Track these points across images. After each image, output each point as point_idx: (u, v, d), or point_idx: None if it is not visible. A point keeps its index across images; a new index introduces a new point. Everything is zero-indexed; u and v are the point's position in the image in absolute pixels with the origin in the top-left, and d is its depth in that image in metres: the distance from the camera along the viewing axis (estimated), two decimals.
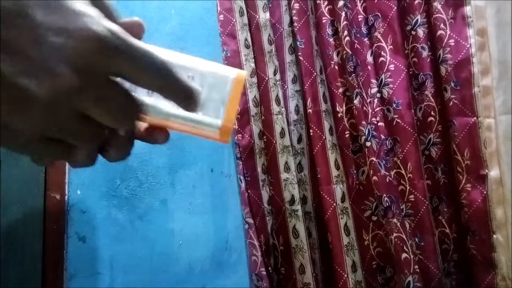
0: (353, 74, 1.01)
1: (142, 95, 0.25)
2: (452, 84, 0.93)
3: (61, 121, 0.20)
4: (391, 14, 1.04)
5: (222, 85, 0.26)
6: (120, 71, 0.21)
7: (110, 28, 0.20)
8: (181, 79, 0.23)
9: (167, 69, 0.23)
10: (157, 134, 0.27)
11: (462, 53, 0.93)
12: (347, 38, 1.02)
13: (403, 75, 1.02)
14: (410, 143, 0.99)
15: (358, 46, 1.05)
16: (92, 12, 0.20)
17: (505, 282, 0.85)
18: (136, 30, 0.27)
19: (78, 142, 0.23)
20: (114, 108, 0.22)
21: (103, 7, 0.22)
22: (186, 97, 0.24)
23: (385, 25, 1.05)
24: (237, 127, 1.09)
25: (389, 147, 1.01)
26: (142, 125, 0.28)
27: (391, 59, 1.03)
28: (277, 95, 1.10)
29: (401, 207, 0.97)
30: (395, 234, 0.92)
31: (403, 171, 0.99)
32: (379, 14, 1.06)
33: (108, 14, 0.22)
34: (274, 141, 1.07)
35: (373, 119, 1.01)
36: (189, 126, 0.26)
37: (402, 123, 1.00)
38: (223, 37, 1.14)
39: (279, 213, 1.06)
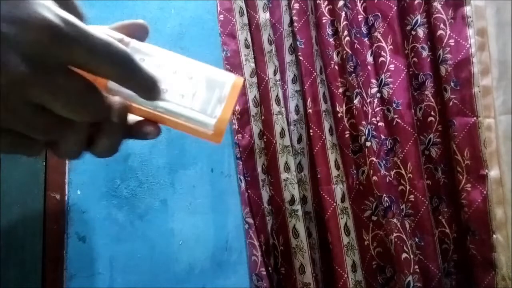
0: (353, 74, 1.01)
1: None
2: (452, 84, 0.93)
3: (14, 112, 0.20)
4: (391, 14, 1.04)
5: (220, 87, 0.27)
6: (75, 60, 0.21)
7: (62, 16, 0.20)
8: (141, 68, 0.23)
9: (126, 58, 0.22)
10: (147, 126, 0.27)
11: (462, 53, 0.93)
12: (347, 38, 1.02)
13: (403, 75, 1.02)
14: (410, 143, 0.99)
15: (358, 46, 1.05)
16: (45, 1, 0.20)
17: (505, 282, 0.85)
18: (139, 31, 0.27)
19: (37, 135, 0.22)
20: (71, 99, 0.21)
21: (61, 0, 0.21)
22: (146, 86, 0.24)
23: (385, 25, 1.05)
24: (237, 127, 1.09)
25: (389, 147, 1.01)
26: (132, 119, 0.27)
27: (391, 59, 1.03)
28: (277, 95, 1.10)
29: (401, 207, 0.97)
30: (395, 234, 0.92)
31: (403, 171, 0.99)
32: (379, 14, 1.06)
33: (69, 8, 0.22)
34: (274, 141, 1.07)
35: (373, 119, 1.01)
36: (184, 121, 0.26)
37: (402, 123, 1.00)
38: (223, 37, 1.14)
39: (279, 213, 1.06)
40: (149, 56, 0.27)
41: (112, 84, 0.25)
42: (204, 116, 0.26)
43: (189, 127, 0.27)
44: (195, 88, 0.27)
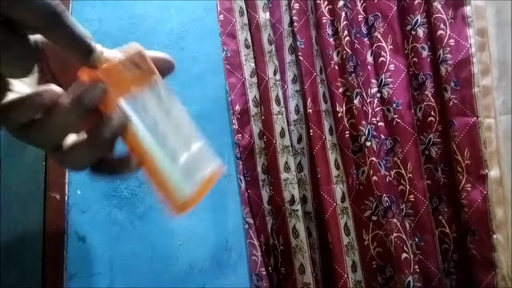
0: (353, 74, 1.01)
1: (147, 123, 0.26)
2: (452, 84, 0.93)
3: None
4: (391, 14, 1.04)
5: (204, 169, 0.30)
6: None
7: None
8: (74, 24, 0.21)
9: (57, 13, 0.20)
10: (128, 159, 0.26)
11: (462, 53, 0.93)
12: (347, 38, 1.02)
13: (403, 75, 1.02)
14: (410, 143, 0.99)
15: (358, 46, 1.05)
16: None
17: (505, 282, 0.85)
18: (166, 68, 0.28)
19: None
20: None
21: None
22: (77, 43, 0.22)
23: (385, 25, 1.05)
24: (237, 127, 1.09)
25: (389, 147, 1.01)
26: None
27: (391, 59, 1.03)
28: (277, 95, 1.10)
29: (401, 207, 0.97)
30: (395, 234, 0.92)
31: (403, 171, 0.99)
32: (379, 14, 1.06)
33: None
34: (274, 141, 1.07)
35: (373, 119, 1.01)
36: (165, 175, 0.26)
37: (402, 123, 1.00)
38: (223, 37, 1.14)
39: (279, 213, 1.06)
40: (163, 99, 0.27)
41: (122, 102, 0.24)
42: (185, 183, 0.27)
43: (164, 183, 0.26)
44: (186, 156, 0.28)
